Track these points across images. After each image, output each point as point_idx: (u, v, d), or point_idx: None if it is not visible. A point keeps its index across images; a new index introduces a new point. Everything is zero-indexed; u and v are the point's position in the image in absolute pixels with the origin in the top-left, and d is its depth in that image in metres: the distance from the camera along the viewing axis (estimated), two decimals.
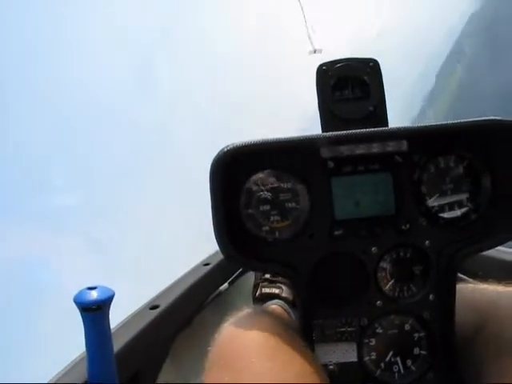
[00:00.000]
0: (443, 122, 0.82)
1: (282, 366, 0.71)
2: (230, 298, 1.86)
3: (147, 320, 1.32)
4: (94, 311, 0.85)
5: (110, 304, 0.86)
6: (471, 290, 0.95)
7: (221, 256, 1.93)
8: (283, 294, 1.70)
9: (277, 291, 1.72)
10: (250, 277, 1.92)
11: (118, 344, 1.11)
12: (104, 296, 0.85)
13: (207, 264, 1.87)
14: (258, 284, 1.80)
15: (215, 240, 0.82)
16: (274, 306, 1.64)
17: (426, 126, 0.84)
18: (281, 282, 1.75)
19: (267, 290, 1.74)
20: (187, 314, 1.59)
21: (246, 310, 0.86)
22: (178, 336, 1.49)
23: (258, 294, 1.76)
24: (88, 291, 0.85)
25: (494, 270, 1.41)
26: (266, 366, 0.70)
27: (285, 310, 1.59)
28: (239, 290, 1.93)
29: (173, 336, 1.48)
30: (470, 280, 1.08)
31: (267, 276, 1.79)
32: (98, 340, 0.87)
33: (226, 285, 1.90)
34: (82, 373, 0.96)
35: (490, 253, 1.47)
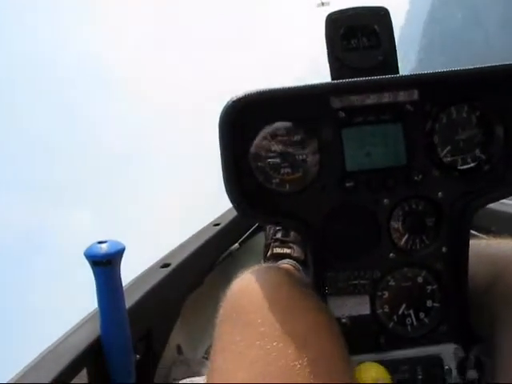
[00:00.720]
0: (456, 69, 0.80)
1: (294, 319, 0.70)
2: (240, 258, 1.87)
3: (158, 278, 1.32)
4: (105, 265, 0.84)
5: (120, 258, 0.86)
6: (485, 244, 0.94)
7: (231, 216, 1.95)
8: (294, 254, 1.70)
9: (288, 251, 1.72)
10: (261, 237, 1.92)
11: (129, 301, 1.12)
12: (114, 249, 0.85)
13: (217, 224, 1.87)
14: (269, 244, 1.80)
15: (226, 193, 0.81)
16: (286, 264, 1.64)
17: (437, 73, 0.81)
18: (292, 242, 1.75)
19: (278, 250, 1.74)
20: (198, 273, 1.60)
21: (257, 267, 0.85)
22: (189, 295, 1.50)
23: (269, 254, 1.76)
24: (98, 245, 0.85)
25: (507, 227, 1.40)
26: (277, 319, 0.69)
27: (296, 269, 1.59)
28: (250, 251, 1.94)
29: (184, 294, 1.49)
30: (484, 236, 1.07)
31: (278, 236, 1.78)
32: (109, 294, 0.87)
33: (236, 245, 1.90)
34: (95, 327, 0.97)
35: (504, 208, 1.45)
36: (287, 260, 1.68)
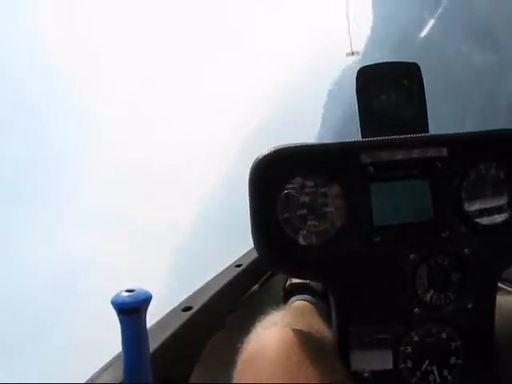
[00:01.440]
0: (484, 130, 0.81)
1: (313, 378, 0.71)
2: (260, 299, 1.86)
3: (180, 321, 1.32)
4: (131, 313, 0.86)
5: (147, 306, 0.87)
6: (510, 299, 0.93)
7: (252, 257, 1.95)
8: (312, 284, 1.69)
9: (307, 281, 1.71)
10: (281, 277, 1.92)
11: (151, 345, 1.12)
12: (141, 298, 0.86)
13: (239, 265, 1.87)
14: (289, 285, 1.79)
15: (253, 245, 0.83)
16: (302, 302, 1.63)
17: (467, 133, 0.83)
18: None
19: (297, 281, 1.73)
20: (219, 316, 1.59)
21: (275, 316, 0.86)
22: (210, 338, 1.50)
23: (287, 284, 1.75)
24: (125, 293, 0.86)
25: None
26: (293, 379, 0.70)
27: (315, 307, 1.58)
28: (270, 292, 1.93)
29: (205, 338, 1.49)
30: (510, 289, 1.06)
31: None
32: (134, 342, 0.88)
33: (256, 287, 1.90)
34: (118, 373, 0.97)
35: None
36: (304, 296, 1.67)
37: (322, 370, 0.75)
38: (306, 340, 0.81)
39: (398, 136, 0.84)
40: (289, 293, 1.69)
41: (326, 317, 1.03)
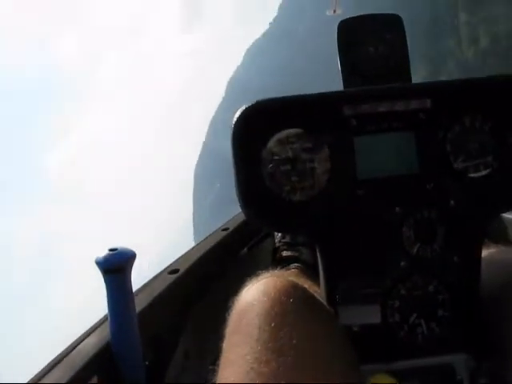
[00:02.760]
0: (468, 78, 0.80)
1: (302, 332, 0.71)
2: (249, 262, 1.87)
3: (166, 283, 1.32)
4: (116, 273, 0.85)
5: (131, 265, 0.86)
6: (496, 251, 0.93)
7: (239, 221, 1.95)
8: (303, 257, 1.69)
9: (296, 254, 1.71)
10: (269, 242, 1.92)
11: (137, 308, 1.12)
12: (125, 256, 0.85)
13: (226, 229, 1.87)
14: (278, 248, 1.79)
15: (238, 201, 0.81)
16: (294, 269, 1.64)
17: (450, 82, 0.81)
18: (300, 245, 1.74)
19: (286, 254, 1.73)
20: (207, 278, 1.59)
21: (265, 275, 0.85)
22: (197, 301, 1.50)
23: (277, 257, 1.75)
24: (109, 253, 0.85)
25: None
26: (285, 333, 0.69)
27: (304, 273, 1.59)
28: (259, 255, 1.94)
29: (192, 301, 1.49)
30: (495, 245, 1.06)
31: (287, 239, 1.77)
32: (120, 301, 0.87)
33: (245, 250, 1.90)
34: (105, 334, 0.97)
35: None
36: (295, 264, 1.68)
37: (322, 317, 0.76)
38: (301, 288, 0.81)
39: (380, 86, 0.83)
40: (278, 265, 1.69)
41: (316, 282, 1.03)
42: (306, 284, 0.88)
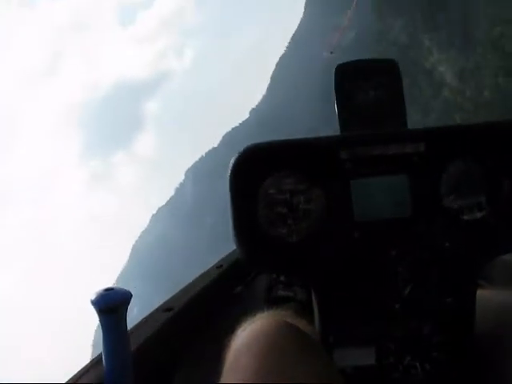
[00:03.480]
0: (461, 123, 0.82)
1: (298, 374, 0.70)
2: (244, 300, 1.86)
3: (161, 322, 1.31)
4: (111, 313, 0.84)
5: (127, 305, 0.86)
6: (490, 294, 0.94)
7: (234, 258, 1.94)
8: (298, 297, 1.68)
9: (291, 294, 1.71)
10: (264, 279, 1.91)
11: (133, 345, 1.11)
12: (120, 297, 0.85)
13: (220, 266, 1.86)
14: (272, 287, 1.79)
15: (234, 243, 0.82)
16: (288, 309, 1.63)
17: (444, 127, 0.83)
18: (295, 285, 1.74)
19: (281, 293, 1.73)
20: (201, 316, 1.58)
21: (261, 315, 0.85)
22: (192, 340, 1.49)
23: (271, 296, 1.75)
24: (105, 293, 0.85)
25: None
26: (280, 374, 0.69)
27: (299, 313, 1.58)
28: (253, 292, 1.93)
29: (186, 338, 1.48)
30: (490, 286, 1.07)
31: (281, 279, 1.77)
32: (115, 342, 0.87)
33: (239, 287, 1.89)
34: (99, 373, 0.96)
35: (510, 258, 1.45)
36: (290, 304, 1.67)
37: (318, 359, 0.75)
38: (297, 329, 0.81)
39: (376, 131, 0.84)
40: (272, 305, 1.69)
41: (311, 322, 1.03)
42: (301, 324, 0.88)
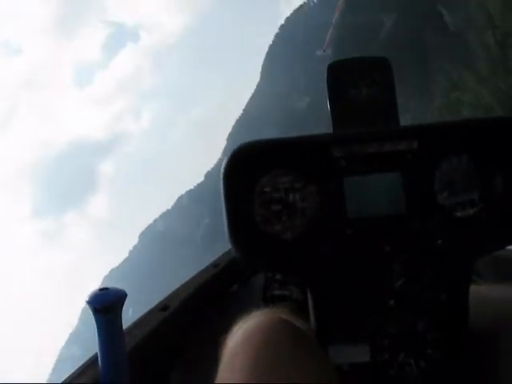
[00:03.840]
0: (454, 120, 0.82)
1: (294, 372, 0.71)
2: (240, 298, 1.86)
3: (157, 321, 1.32)
4: (106, 312, 0.85)
5: (122, 305, 0.86)
6: (485, 290, 0.94)
7: (230, 257, 1.95)
8: (294, 296, 1.69)
9: (287, 293, 1.71)
10: (260, 278, 1.92)
11: (128, 344, 1.11)
12: (116, 297, 0.85)
13: (217, 265, 1.87)
14: (268, 286, 1.79)
15: (229, 241, 0.82)
16: (284, 308, 1.63)
17: (437, 124, 0.84)
18: (291, 284, 1.74)
19: (277, 292, 1.73)
20: (197, 315, 1.59)
21: (257, 314, 0.85)
22: (188, 338, 1.49)
23: (267, 295, 1.75)
24: (100, 292, 0.85)
25: (506, 271, 1.40)
26: (276, 373, 0.70)
27: (295, 311, 1.58)
28: (250, 291, 1.93)
29: (183, 337, 1.48)
30: (483, 282, 1.08)
31: (277, 277, 1.78)
32: (110, 340, 0.87)
33: (235, 286, 1.90)
34: (95, 374, 0.96)
35: (504, 253, 1.45)
36: (285, 303, 1.67)
37: (314, 356, 0.76)
38: (293, 326, 0.81)
39: (369, 129, 0.85)
40: (268, 304, 1.69)
41: (306, 320, 1.03)
42: (297, 321, 0.88)
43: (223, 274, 1.84)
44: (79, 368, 1.03)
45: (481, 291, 0.92)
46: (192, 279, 1.72)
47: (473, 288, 0.84)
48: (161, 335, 1.30)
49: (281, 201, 0.83)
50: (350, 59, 0.96)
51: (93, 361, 1.04)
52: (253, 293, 1.91)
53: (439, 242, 0.83)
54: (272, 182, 0.83)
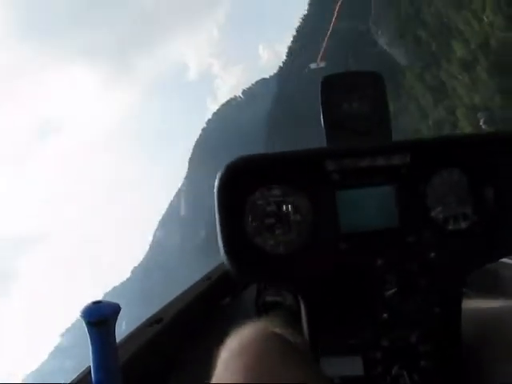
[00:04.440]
0: (445, 135, 0.83)
1: (287, 381, 0.71)
2: (232, 310, 1.86)
3: (151, 333, 1.31)
4: (100, 325, 0.84)
5: (115, 318, 0.86)
6: (476, 303, 0.95)
7: (222, 270, 1.94)
8: (287, 302, 1.68)
9: (279, 299, 1.70)
10: (252, 290, 1.92)
11: (122, 357, 1.11)
12: (109, 310, 0.85)
13: (209, 278, 1.87)
14: (261, 293, 1.79)
15: (222, 254, 0.82)
16: (277, 317, 1.63)
17: (428, 139, 0.85)
18: (284, 290, 1.74)
19: (270, 299, 1.72)
20: (190, 327, 1.58)
21: (249, 327, 0.85)
22: (181, 351, 1.49)
23: (260, 302, 1.75)
24: (93, 306, 0.85)
25: (498, 283, 1.41)
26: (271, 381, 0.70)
27: (288, 321, 1.58)
28: (242, 302, 1.93)
29: (177, 349, 1.47)
30: (475, 294, 1.08)
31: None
32: (103, 353, 0.87)
33: (227, 299, 1.89)
34: None
35: (495, 266, 1.46)
36: (278, 311, 1.66)
37: (305, 370, 0.76)
38: (284, 339, 0.81)
39: (362, 144, 0.85)
40: (262, 311, 1.68)
41: (299, 331, 1.03)
42: (289, 334, 0.88)
43: (215, 287, 1.83)
44: (72, 381, 1.03)
45: (472, 303, 0.93)
46: (185, 292, 1.72)
47: (464, 300, 0.85)
48: (155, 348, 1.29)
49: (273, 214, 0.83)
50: (342, 74, 0.96)
51: (85, 374, 1.03)
52: (244, 305, 1.91)
53: (432, 255, 0.83)
54: (265, 195, 0.83)
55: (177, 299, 1.63)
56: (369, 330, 0.84)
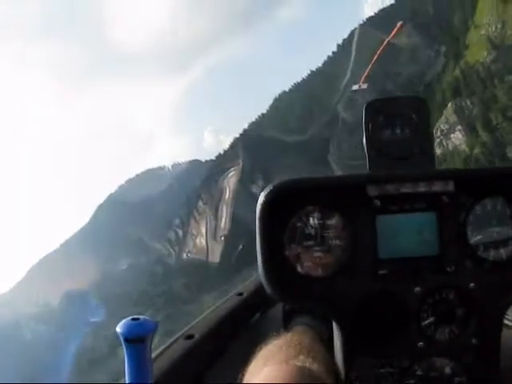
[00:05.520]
0: (490, 166, 0.83)
1: None
2: (262, 327, 1.86)
3: (182, 350, 1.32)
4: (137, 342, 0.85)
5: (152, 336, 0.87)
6: None
7: (254, 286, 1.94)
8: (314, 323, 1.66)
9: (307, 321, 1.69)
10: (280, 307, 1.91)
11: (155, 373, 1.12)
12: (147, 328, 0.86)
13: (240, 294, 1.87)
14: (290, 312, 1.77)
15: (260, 272, 0.83)
16: (302, 328, 1.60)
17: (473, 169, 0.84)
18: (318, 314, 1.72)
19: (299, 319, 1.71)
20: (221, 343, 1.59)
21: (273, 359, 0.85)
22: (211, 366, 1.49)
23: (286, 307, 1.73)
24: (131, 322, 0.86)
25: None
26: None
27: (313, 329, 1.56)
28: (271, 319, 1.92)
29: (207, 365, 1.48)
30: None
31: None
32: (139, 371, 0.88)
33: (257, 315, 1.89)
34: None
35: None
36: (304, 320, 1.65)
37: None
38: (305, 379, 0.81)
39: (404, 170, 0.85)
40: (288, 315, 1.67)
41: (327, 340, 1.02)
42: (316, 353, 0.88)
43: (246, 304, 1.83)
44: None
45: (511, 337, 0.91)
46: (216, 308, 1.72)
47: (505, 332, 0.84)
48: (186, 364, 1.30)
49: (312, 237, 0.84)
50: (385, 99, 0.96)
51: None
52: (273, 322, 1.90)
53: (471, 285, 0.82)
54: (305, 218, 0.84)
55: (208, 315, 1.64)
56: (404, 358, 0.83)
